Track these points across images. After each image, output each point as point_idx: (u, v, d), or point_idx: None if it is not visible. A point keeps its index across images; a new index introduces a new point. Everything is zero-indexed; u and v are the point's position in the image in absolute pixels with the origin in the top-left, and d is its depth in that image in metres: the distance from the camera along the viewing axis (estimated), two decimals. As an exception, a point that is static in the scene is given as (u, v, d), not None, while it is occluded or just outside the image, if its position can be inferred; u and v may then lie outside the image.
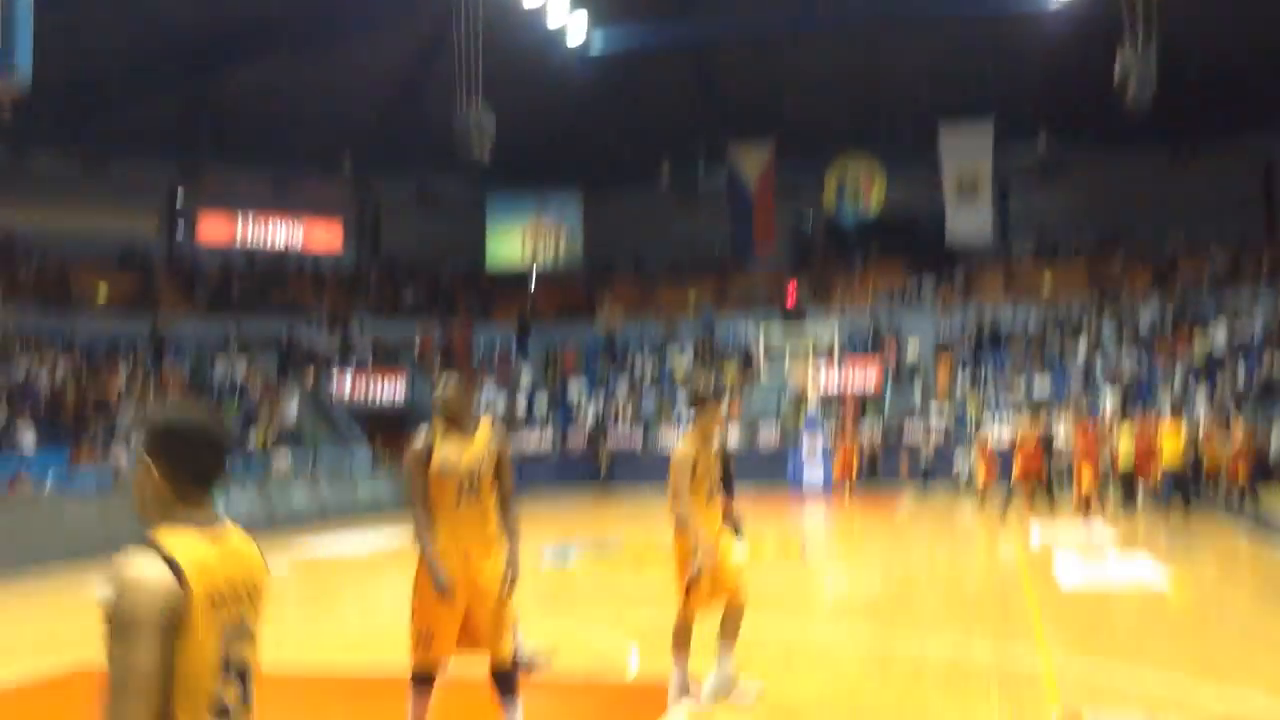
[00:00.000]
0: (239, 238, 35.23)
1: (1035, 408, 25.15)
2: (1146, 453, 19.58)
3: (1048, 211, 36.83)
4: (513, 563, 5.32)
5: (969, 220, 33.78)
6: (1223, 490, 20.76)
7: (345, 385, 30.79)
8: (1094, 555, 13.54)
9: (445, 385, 5.40)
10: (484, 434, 5.35)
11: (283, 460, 24.56)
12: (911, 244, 37.60)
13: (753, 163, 35.36)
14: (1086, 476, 19.02)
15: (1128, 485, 19.62)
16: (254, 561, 2.45)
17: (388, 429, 29.54)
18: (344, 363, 32.14)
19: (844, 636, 8.73)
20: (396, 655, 5.68)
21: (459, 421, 5.33)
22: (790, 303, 35.78)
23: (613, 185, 38.54)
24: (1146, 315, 32.05)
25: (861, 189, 35.41)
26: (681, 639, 6.55)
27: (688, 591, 6.42)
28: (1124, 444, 19.44)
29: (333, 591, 13.16)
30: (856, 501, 23.78)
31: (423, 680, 5.22)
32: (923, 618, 9.75)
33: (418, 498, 5.25)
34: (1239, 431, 20.24)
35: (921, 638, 8.57)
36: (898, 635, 8.63)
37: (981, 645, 8.18)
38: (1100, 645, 8.13)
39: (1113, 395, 28.02)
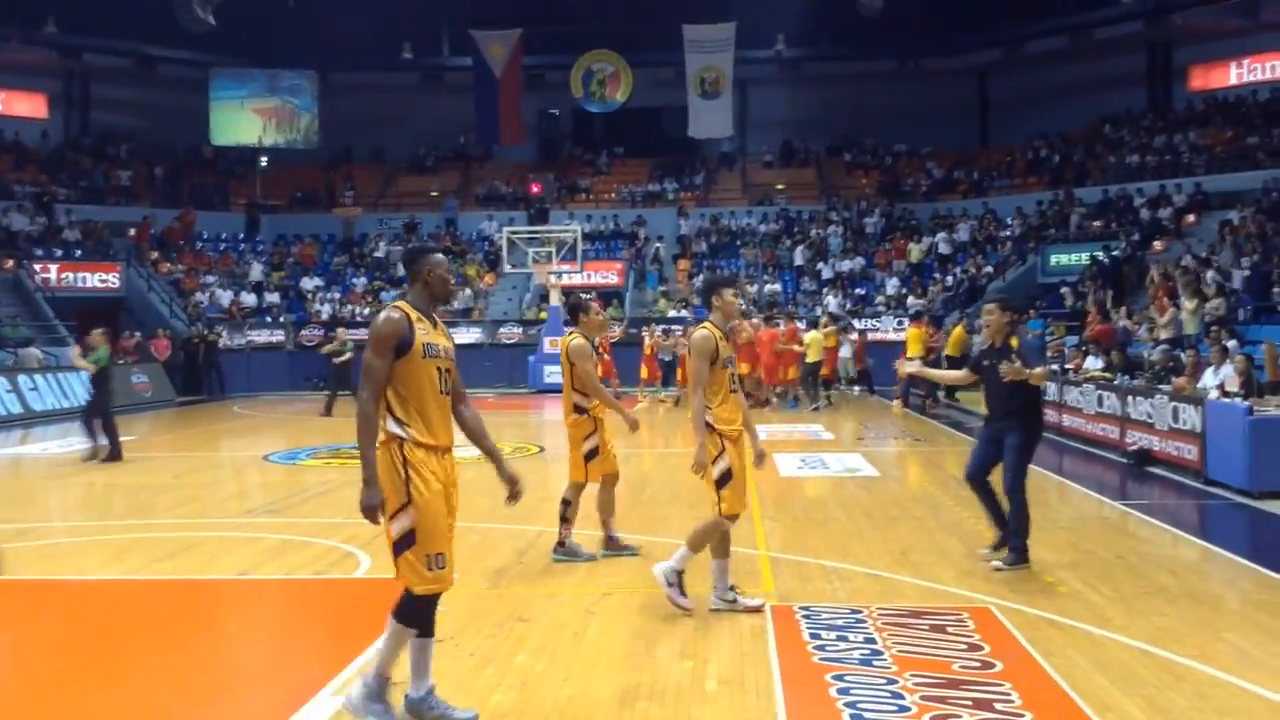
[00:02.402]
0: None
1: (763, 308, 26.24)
2: (832, 354, 21.26)
3: (784, 115, 38.18)
4: (500, 457, 4.83)
5: (711, 117, 34.51)
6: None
7: (51, 273, 28.27)
8: (806, 450, 14.43)
9: (436, 262, 4.65)
10: (439, 320, 4.72)
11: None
12: (656, 139, 38.04)
13: (499, 51, 34.47)
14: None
15: (813, 384, 20.99)
16: None
17: (99, 322, 27.31)
18: (49, 248, 29.45)
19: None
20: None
21: (436, 306, 4.68)
22: (534, 196, 35.54)
23: (352, 68, 36.77)
24: (869, 222, 33.99)
25: (608, 81, 35.33)
26: (718, 542, 6.36)
27: (720, 491, 6.21)
28: (812, 347, 20.72)
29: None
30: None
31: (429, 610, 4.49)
32: (652, 511, 10.08)
33: (380, 386, 4.39)
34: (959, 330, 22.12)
35: (650, 530, 8.85)
36: (629, 529, 8.87)
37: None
38: (811, 537, 8.66)
39: (834, 298, 29.63)
